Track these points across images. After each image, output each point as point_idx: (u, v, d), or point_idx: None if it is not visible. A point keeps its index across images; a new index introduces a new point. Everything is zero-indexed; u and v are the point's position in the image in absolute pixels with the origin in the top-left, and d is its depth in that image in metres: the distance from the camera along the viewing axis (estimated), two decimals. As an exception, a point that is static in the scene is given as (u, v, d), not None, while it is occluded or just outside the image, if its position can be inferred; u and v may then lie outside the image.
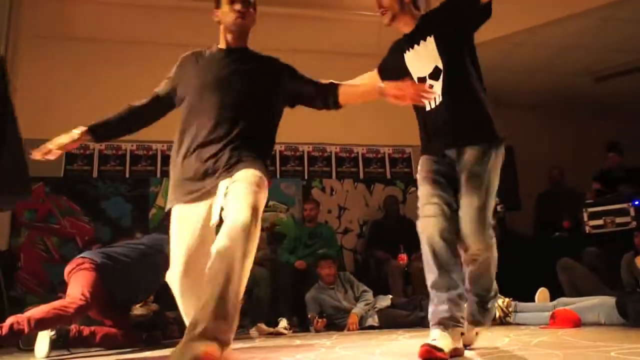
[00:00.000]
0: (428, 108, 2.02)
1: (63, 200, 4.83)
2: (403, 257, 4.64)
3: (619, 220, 4.26)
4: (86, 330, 2.78)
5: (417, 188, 2.03)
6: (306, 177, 5.48)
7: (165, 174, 5.14)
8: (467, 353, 1.91)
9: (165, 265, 1.89)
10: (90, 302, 2.73)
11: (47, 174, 4.86)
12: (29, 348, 2.63)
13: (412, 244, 4.86)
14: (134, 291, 3.11)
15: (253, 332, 3.78)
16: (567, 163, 6.21)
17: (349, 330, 3.80)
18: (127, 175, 5.08)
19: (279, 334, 3.77)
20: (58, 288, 4.05)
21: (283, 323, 3.94)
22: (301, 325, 4.15)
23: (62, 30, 5.21)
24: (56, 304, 2.65)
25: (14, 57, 5.02)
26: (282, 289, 4.40)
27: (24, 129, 5.01)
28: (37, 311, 2.52)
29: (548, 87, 6.65)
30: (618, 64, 5.91)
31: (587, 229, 4.40)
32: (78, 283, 2.79)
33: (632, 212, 4.21)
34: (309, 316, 4.02)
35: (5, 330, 2.34)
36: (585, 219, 4.42)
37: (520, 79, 6.47)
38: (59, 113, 5.03)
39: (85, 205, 4.86)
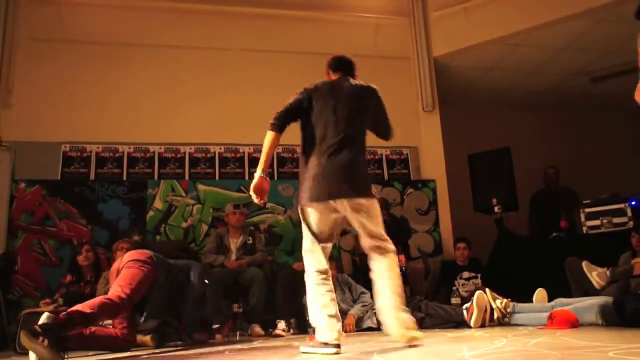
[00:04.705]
0: None
1: (60, 202, 4.80)
2: (401, 259, 4.62)
3: (616, 220, 4.27)
4: (87, 331, 2.74)
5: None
6: (304, 179, 5.46)
7: (162, 176, 5.13)
8: (465, 354, 1.91)
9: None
10: (129, 300, 2.72)
11: (44, 176, 4.85)
12: (25, 352, 2.61)
13: (410, 244, 4.88)
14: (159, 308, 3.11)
15: (249, 334, 3.77)
16: (564, 163, 6.22)
17: (345, 331, 3.79)
18: (125, 178, 5.06)
19: (277, 336, 3.76)
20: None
21: (281, 325, 3.93)
22: (300, 327, 4.14)
23: (59, 33, 5.20)
24: (100, 298, 2.63)
25: (11, 59, 5.01)
26: (280, 291, 4.39)
27: (22, 131, 5.02)
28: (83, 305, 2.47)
29: (545, 87, 6.67)
30: (614, 64, 5.93)
31: (584, 229, 4.40)
32: (130, 278, 2.79)
33: (629, 212, 4.22)
34: (307, 318, 4.01)
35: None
36: (583, 219, 4.43)
37: (518, 79, 6.48)
38: (56, 115, 5.03)
39: (82, 207, 4.83)
